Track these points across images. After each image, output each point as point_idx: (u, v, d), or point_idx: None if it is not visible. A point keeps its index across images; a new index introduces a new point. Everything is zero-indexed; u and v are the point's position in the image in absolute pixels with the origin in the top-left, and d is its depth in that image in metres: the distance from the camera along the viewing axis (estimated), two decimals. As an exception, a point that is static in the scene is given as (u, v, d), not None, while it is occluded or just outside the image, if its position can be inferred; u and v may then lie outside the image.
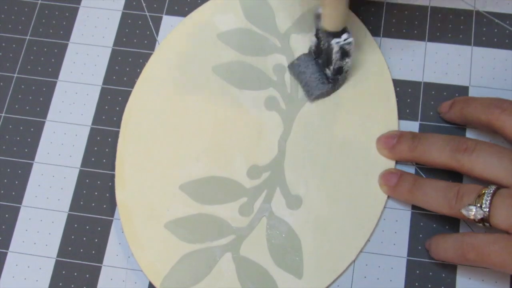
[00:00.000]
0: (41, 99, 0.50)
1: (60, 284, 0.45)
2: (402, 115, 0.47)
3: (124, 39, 0.51)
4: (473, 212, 0.40)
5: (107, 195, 0.47)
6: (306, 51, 0.49)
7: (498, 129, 0.42)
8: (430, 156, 0.43)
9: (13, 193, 0.48)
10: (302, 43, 0.49)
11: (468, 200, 0.40)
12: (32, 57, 0.51)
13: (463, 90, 0.47)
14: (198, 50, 0.50)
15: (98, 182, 0.47)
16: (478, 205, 0.40)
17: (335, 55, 0.44)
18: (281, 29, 0.50)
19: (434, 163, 0.43)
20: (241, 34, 0.50)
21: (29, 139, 0.49)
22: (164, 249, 0.45)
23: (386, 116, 0.47)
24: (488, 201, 0.40)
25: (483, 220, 0.40)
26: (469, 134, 0.46)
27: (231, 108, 0.48)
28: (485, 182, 0.41)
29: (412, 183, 0.44)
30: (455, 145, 0.42)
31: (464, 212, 0.40)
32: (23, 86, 0.50)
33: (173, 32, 0.50)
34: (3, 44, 0.52)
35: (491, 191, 0.40)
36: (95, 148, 0.48)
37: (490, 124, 0.43)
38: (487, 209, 0.40)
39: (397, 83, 0.48)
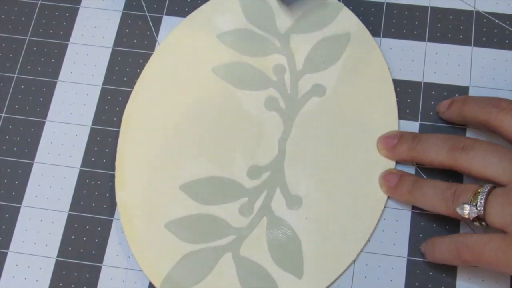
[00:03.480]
0: (41, 99, 0.50)
1: (60, 284, 0.45)
2: (402, 115, 0.47)
3: (124, 39, 0.51)
4: (467, 210, 0.40)
5: (107, 195, 0.47)
6: (306, 51, 0.49)
7: (496, 128, 0.42)
8: (429, 156, 0.43)
9: (13, 193, 0.47)
10: (302, 43, 0.49)
11: (464, 199, 0.40)
12: (32, 57, 0.51)
13: (463, 90, 0.47)
14: (198, 50, 0.50)
15: (98, 182, 0.47)
16: (473, 204, 0.40)
17: None
18: (281, 29, 0.50)
19: (433, 162, 0.43)
20: (241, 34, 0.50)
21: (29, 139, 0.49)
22: (164, 249, 0.45)
23: (386, 116, 0.47)
24: (483, 200, 0.40)
25: (479, 219, 0.40)
26: (469, 133, 0.46)
27: (231, 109, 0.48)
28: (484, 181, 0.41)
29: (412, 184, 0.43)
30: (452, 144, 0.42)
31: (459, 210, 0.40)
32: (23, 86, 0.50)
33: (173, 33, 0.50)
34: (3, 44, 0.52)
35: (486, 190, 0.40)
36: (95, 148, 0.48)
37: (488, 123, 0.43)
38: (482, 208, 0.40)
39: (397, 83, 0.48)
